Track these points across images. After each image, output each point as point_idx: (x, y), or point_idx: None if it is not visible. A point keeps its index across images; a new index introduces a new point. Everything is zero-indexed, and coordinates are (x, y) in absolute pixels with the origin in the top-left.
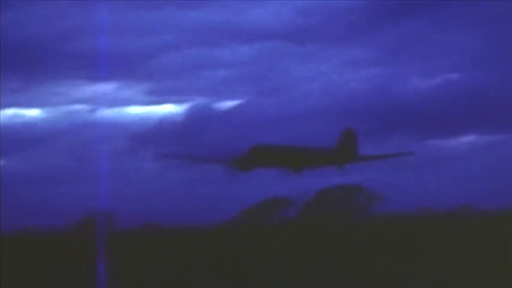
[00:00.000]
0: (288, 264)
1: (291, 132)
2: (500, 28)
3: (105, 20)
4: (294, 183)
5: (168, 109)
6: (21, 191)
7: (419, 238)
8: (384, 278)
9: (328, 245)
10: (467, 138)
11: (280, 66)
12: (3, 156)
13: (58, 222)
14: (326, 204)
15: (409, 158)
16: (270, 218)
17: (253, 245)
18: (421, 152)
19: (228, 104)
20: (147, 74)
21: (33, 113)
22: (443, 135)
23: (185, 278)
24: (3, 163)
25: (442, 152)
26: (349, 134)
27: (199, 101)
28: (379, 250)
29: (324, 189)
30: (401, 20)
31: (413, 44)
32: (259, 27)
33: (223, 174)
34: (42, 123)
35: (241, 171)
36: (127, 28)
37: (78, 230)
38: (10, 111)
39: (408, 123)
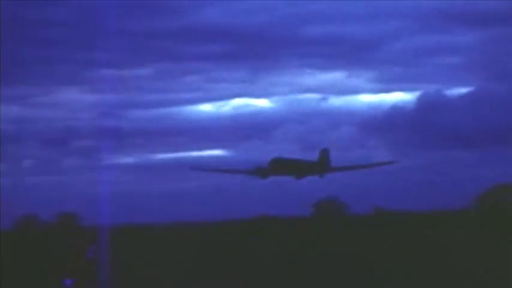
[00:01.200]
0: None
1: None
2: None
3: (333, 8)
4: None
5: (398, 97)
6: (250, 180)
7: None
8: None
9: None
10: None
11: (508, 51)
12: (229, 146)
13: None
14: None
15: None
16: None
17: None
18: None
19: (458, 91)
20: (377, 62)
21: (261, 102)
22: None
23: None
24: (230, 153)
25: None
26: (325, 151)
27: (429, 88)
28: None
29: None
30: None
31: None
32: (486, 13)
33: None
34: (271, 113)
35: (261, 179)
36: (356, 16)
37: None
38: (239, 101)
39: None
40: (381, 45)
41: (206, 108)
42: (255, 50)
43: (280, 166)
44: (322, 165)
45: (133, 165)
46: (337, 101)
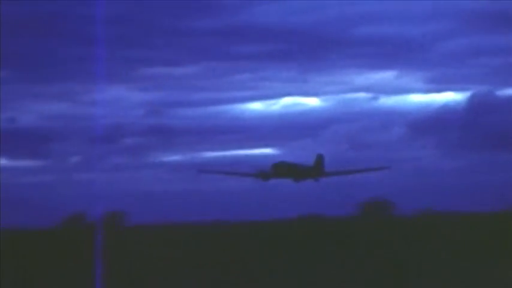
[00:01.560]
0: None
1: None
2: None
3: (384, 8)
4: None
5: (449, 97)
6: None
7: None
8: None
9: None
10: None
11: None
12: (278, 145)
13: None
14: None
15: None
16: None
17: None
18: None
19: (510, 91)
20: (428, 61)
21: (311, 101)
22: None
23: None
24: (279, 152)
25: None
26: (320, 157)
27: (480, 88)
28: None
29: None
30: None
31: None
32: None
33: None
34: (321, 112)
35: (263, 181)
36: (408, 16)
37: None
38: (289, 100)
39: None
40: (433, 45)
41: (256, 106)
42: (306, 48)
43: (282, 170)
44: (317, 170)
45: (181, 163)
46: (387, 101)
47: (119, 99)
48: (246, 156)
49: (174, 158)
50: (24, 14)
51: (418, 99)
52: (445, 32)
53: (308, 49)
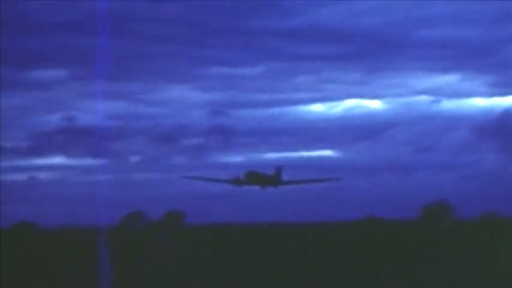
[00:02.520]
0: None
1: None
2: None
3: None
4: None
5: None
6: (359, 181)
7: None
8: None
9: None
10: None
11: None
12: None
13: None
14: None
15: None
16: None
17: None
18: None
19: None
20: (491, 65)
21: (373, 104)
22: None
23: None
24: (340, 154)
25: None
26: (279, 168)
27: None
28: None
29: None
30: None
31: None
32: None
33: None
34: (383, 114)
35: (237, 187)
36: (473, 19)
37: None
38: (351, 102)
39: None
40: (497, 49)
41: (318, 108)
42: (369, 51)
43: (253, 178)
44: (276, 179)
45: (242, 164)
46: (449, 104)
47: (181, 99)
48: (307, 158)
49: (234, 159)
50: (85, 13)
51: (481, 103)
52: (510, 35)
53: (372, 51)
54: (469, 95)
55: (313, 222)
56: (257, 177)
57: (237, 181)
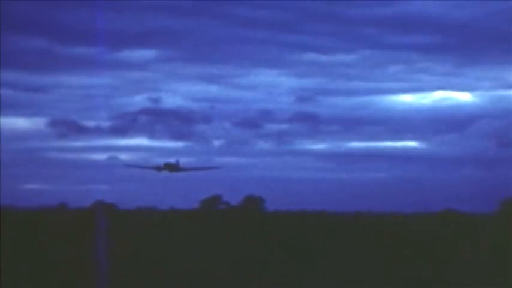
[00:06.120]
0: None
1: None
2: None
3: None
4: None
5: None
6: (442, 173)
7: None
8: None
9: None
10: None
11: None
12: (424, 138)
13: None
14: None
15: None
16: None
17: None
18: None
19: None
20: None
21: (463, 96)
22: None
23: None
24: (424, 146)
25: None
26: (177, 161)
27: None
28: None
29: None
30: None
31: None
32: None
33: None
34: (471, 107)
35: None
36: None
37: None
38: (441, 94)
39: None
40: None
41: (407, 99)
42: (462, 42)
43: (167, 167)
44: (176, 167)
45: (326, 152)
46: None
47: (270, 83)
48: (392, 148)
49: (319, 146)
50: None
51: None
52: None
53: (465, 43)
54: None
55: (387, 213)
56: (169, 166)
57: (157, 168)
